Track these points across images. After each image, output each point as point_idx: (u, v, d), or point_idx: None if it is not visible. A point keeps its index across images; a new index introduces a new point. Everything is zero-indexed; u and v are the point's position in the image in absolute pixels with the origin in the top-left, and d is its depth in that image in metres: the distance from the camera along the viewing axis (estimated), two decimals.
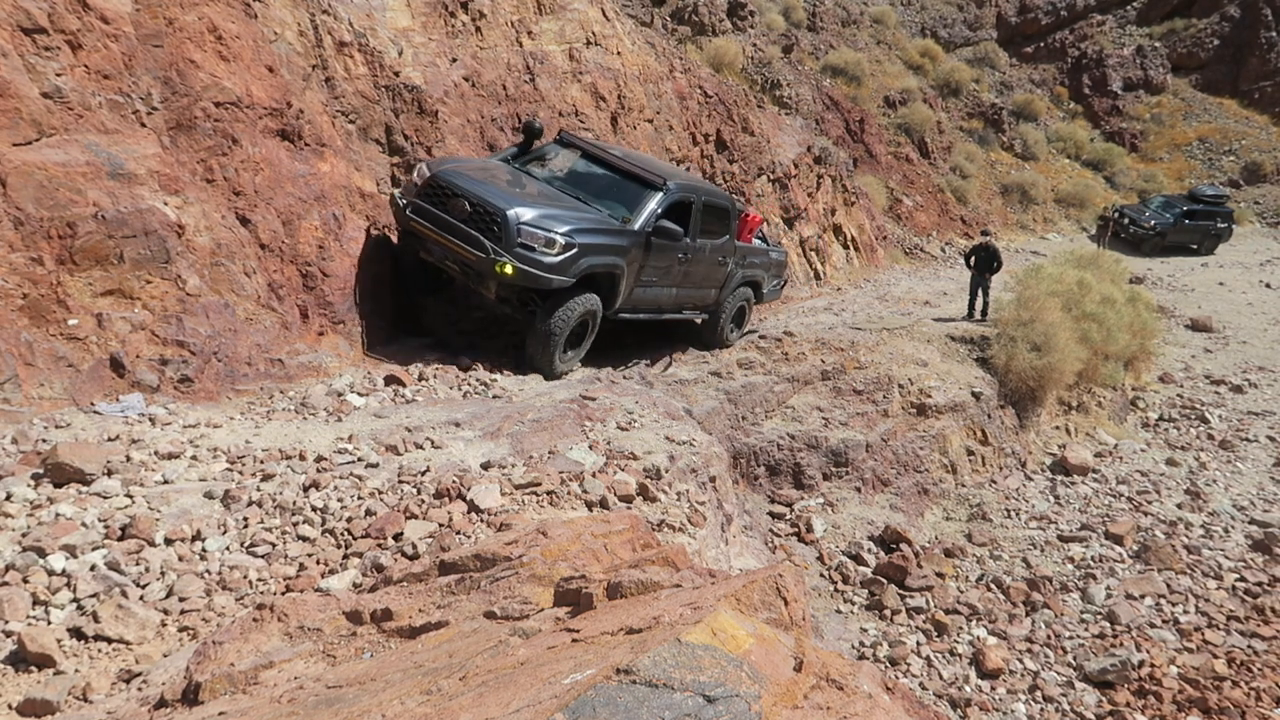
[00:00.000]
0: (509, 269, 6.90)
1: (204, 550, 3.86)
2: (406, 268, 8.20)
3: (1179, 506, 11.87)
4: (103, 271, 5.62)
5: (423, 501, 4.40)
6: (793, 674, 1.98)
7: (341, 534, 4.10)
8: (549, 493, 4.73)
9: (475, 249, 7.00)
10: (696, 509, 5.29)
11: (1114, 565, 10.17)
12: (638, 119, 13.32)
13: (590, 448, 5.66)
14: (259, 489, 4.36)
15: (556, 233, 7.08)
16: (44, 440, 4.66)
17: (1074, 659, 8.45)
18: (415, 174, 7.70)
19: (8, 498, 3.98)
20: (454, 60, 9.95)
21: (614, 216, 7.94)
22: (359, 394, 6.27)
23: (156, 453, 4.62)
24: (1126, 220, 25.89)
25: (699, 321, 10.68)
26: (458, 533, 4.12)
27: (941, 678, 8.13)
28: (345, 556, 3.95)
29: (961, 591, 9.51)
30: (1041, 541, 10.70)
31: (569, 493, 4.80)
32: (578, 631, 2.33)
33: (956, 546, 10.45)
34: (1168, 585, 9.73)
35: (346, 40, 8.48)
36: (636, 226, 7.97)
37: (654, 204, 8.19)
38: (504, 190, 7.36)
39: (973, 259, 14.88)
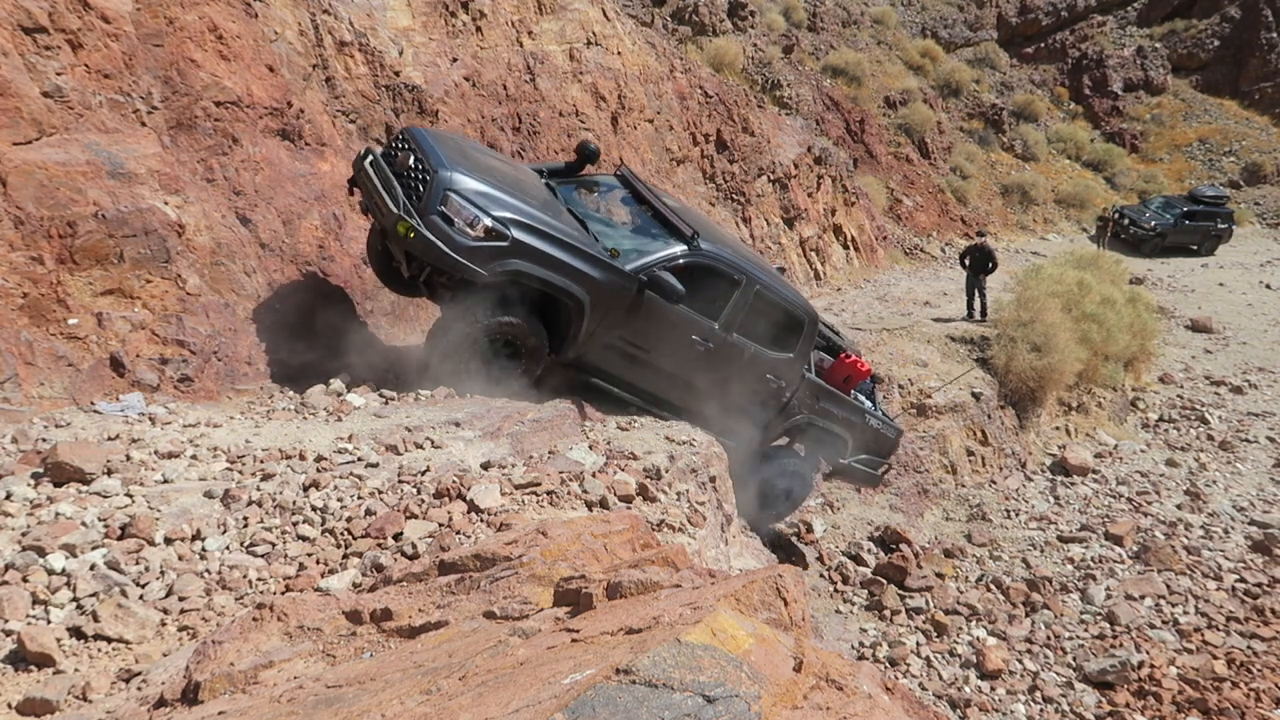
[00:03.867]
0: (410, 232, 5.80)
1: (204, 550, 3.86)
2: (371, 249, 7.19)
3: (1179, 507, 11.88)
4: (103, 271, 5.62)
5: (423, 501, 4.40)
6: (792, 674, 1.98)
7: (341, 534, 4.09)
8: (549, 493, 4.72)
9: (392, 202, 5.98)
10: (696, 509, 5.29)
11: (1114, 566, 10.17)
12: (638, 119, 13.33)
13: (590, 448, 5.66)
14: (259, 488, 4.36)
15: (487, 214, 5.92)
16: (44, 439, 4.66)
17: (1074, 659, 8.46)
18: None
19: (8, 497, 3.98)
20: (454, 60, 9.96)
21: (605, 247, 6.52)
22: (359, 393, 6.26)
23: (156, 452, 4.62)
24: (1126, 221, 25.90)
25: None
26: (458, 532, 4.12)
27: (941, 678, 8.13)
28: (345, 556, 3.95)
29: (961, 592, 9.51)
30: (1041, 542, 10.71)
31: (569, 493, 4.80)
32: (577, 631, 2.33)
33: (956, 547, 10.45)
34: (1167, 586, 9.73)
35: (347, 40, 8.48)
36: (626, 267, 6.41)
37: (664, 253, 6.62)
38: (465, 162, 6.26)
39: (967, 259, 14.90)
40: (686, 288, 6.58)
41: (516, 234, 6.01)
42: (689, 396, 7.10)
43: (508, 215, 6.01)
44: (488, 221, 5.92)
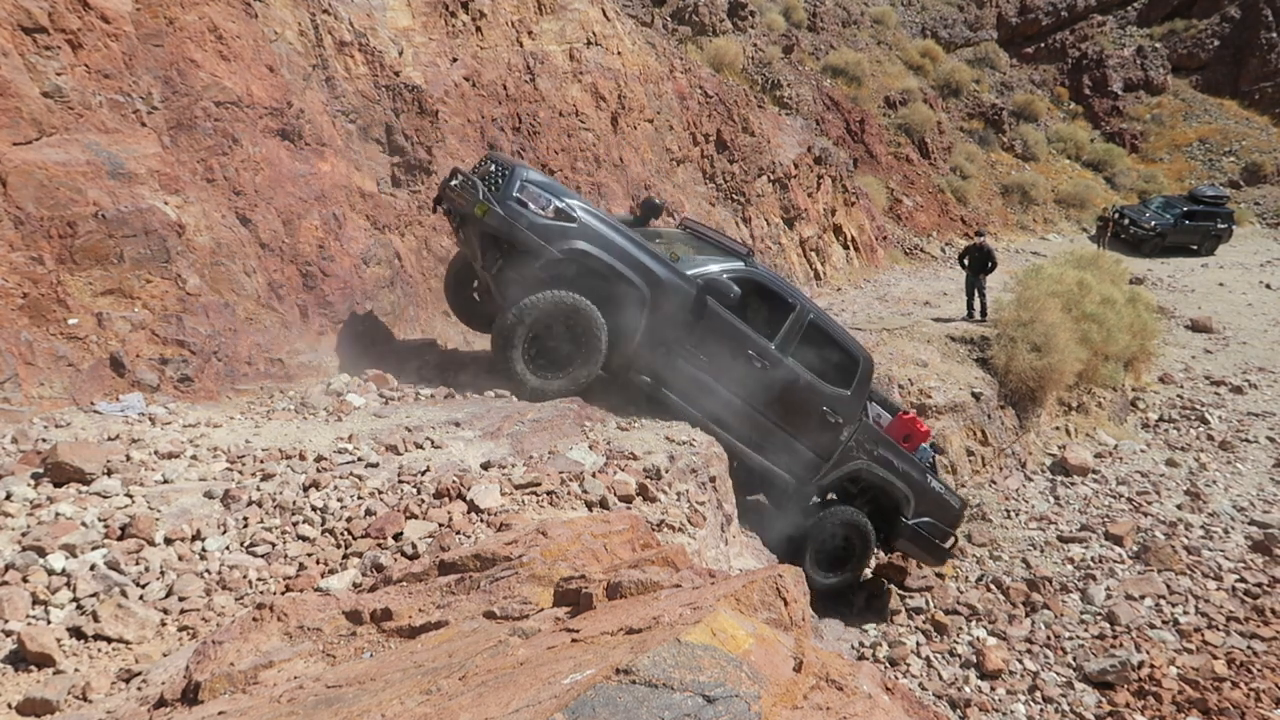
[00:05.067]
0: (487, 213, 6.33)
1: (204, 550, 3.86)
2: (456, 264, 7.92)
3: (1179, 507, 11.87)
4: (103, 271, 5.62)
5: (423, 501, 4.40)
6: (792, 674, 1.98)
7: (341, 534, 4.09)
8: (549, 493, 4.73)
9: (471, 193, 6.54)
10: (696, 509, 5.29)
11: (1114, 566, 10.17)
12: (638, 119, 13.32)
13: (590, 448, 5.66)
14: (259, 489, 4.36)
15: (558, 198, 6.56)
16: (44, 439, 4.66)
17: (1074, 659, 8.45)
18: None
19: (8, 497, 3.98)
20: (454, 60, 9.95)
21: (667, 253, 6.93)
22: (358, 393, 6.26)
23: (156, 452, 4.62)
24: (1126, 221, 25.89)
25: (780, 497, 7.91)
26: (458, 533, 4.12)
27: (941, 678, 8.13)
28: (345, 556, 3.95)
29: (961, 592, 9.51)
30: (1041, 542, 10.70)
31: (569, 493, 4.80)
32: (577, 631, 2.33)
33: (956, 547, 10.44)
34: (1167, 586, 9.73)
35: (347, 40, 8.48)
36: (686, 270, 6.78)
37: (721, 265, 6.99)
38: (544, 176, 6.88)
39: (966, 259, 14.90)
40: (742, 305, 6.90)
41: (583, 216, 6.61)
42: (750, 421, 7.09)
43: (575, 203, 6.67)
44: (558, 203, 6.55)
